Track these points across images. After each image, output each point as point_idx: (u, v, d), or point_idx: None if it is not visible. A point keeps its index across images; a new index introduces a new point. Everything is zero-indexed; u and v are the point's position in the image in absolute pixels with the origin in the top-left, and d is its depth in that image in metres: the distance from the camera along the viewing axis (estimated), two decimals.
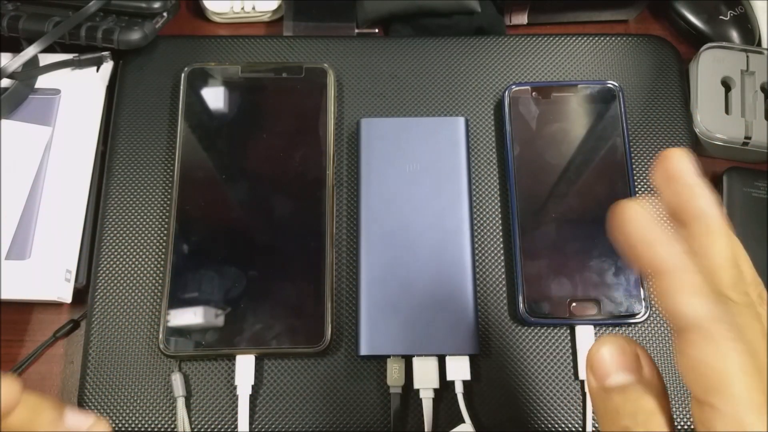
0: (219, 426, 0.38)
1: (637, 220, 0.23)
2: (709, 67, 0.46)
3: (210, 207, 0.41)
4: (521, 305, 0.39)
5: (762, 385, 0.21)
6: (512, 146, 0.43)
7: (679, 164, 0.23)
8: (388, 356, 0.38)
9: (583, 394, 0.38)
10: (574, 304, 0.39)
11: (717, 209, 0.23)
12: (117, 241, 0.42)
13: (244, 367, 0.38)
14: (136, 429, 0.38)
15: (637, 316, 0.39)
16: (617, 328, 0.40)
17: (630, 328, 0.40)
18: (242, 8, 0.48)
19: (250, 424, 0.38)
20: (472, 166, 0.43)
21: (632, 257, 0.23)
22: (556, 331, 0.40)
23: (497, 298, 0.41)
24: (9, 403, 0.24)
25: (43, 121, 0.43)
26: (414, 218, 0.40)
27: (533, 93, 0.44)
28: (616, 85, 0.44)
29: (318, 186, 0.41)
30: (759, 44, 0.48)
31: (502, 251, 0.42)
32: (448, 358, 0.38)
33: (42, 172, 0.42)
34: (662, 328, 0.40)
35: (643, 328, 0.40)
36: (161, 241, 0.42)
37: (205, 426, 0.38)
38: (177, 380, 0.38)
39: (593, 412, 0.29)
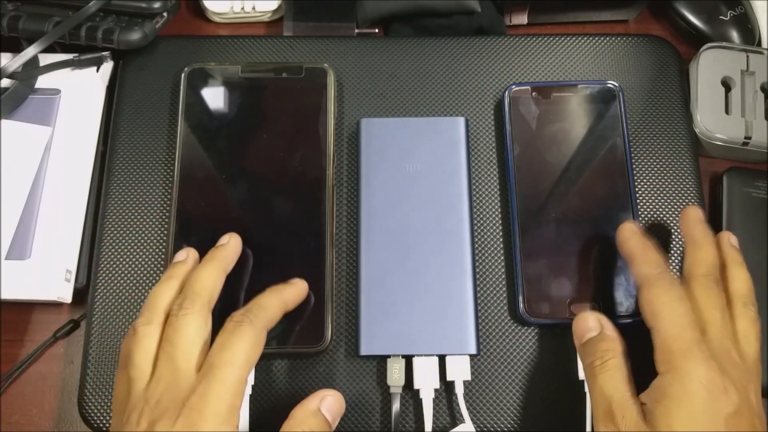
0: None
1: (630, 229, 0.37)
2: (709, 67, 0.46)
3: (210, 207, 0.41)
4: (521, 305, 0.39)
5: (692, 318, 0.33)
6: (512, 146, 0.43)
7: (691, 211, 0.38)
8: (388, 356, 0.38)
9: (584, 394, 0.38)
10: (574, 304, 0.39)
11: (709, 236, 0.37)
12: (117, 241, 0.42)
13: None
14: None
15: (637, 316, 0.39)
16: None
17: (630, 328, 0.40)
18: (242, 8, 0.48)
19: (250, 424, 0.38)
20: (472, 166, 0.43)
21: (623, 252, 0.38)
22: (556, 331, 0.40)
23: (497, 298, 0.41)
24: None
25: (43, 121, 0.43)
26: (414, 218, 0.40)
27: (533, 93, 0.44)
28: (616, 85, 0.44)
29: (318, 186, 0.41)
30: (759, 44, 0.48)
31: (502, 251, 0.42)
32: (448, 358, 0.38)
33: (42, 172, 0.42)
34: None
35: (642, 328, 0.40)
36: (161, 241, 0.42)
37: None
38: None
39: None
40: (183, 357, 0.32)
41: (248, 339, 0.33)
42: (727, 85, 0.45)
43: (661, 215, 0.42)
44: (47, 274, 0.40)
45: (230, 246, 0.38)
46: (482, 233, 0.42)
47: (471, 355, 0.38)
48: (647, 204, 0.43)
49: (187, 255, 0.37)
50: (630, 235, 0.37)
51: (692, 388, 0.30)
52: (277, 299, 0.36)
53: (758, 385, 0.33)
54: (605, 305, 0.39)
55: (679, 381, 0.31)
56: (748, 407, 0.31)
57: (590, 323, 0.36)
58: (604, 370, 0.33)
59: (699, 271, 0.35)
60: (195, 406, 0.30)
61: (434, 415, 0.38)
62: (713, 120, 0.44)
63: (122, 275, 0.41)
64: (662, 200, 0.43)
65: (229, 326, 0.33)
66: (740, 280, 0.36)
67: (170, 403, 0.31)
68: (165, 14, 0.45)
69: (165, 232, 0.42)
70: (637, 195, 0.43)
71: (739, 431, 0.30)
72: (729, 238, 0.38)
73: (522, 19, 0.50)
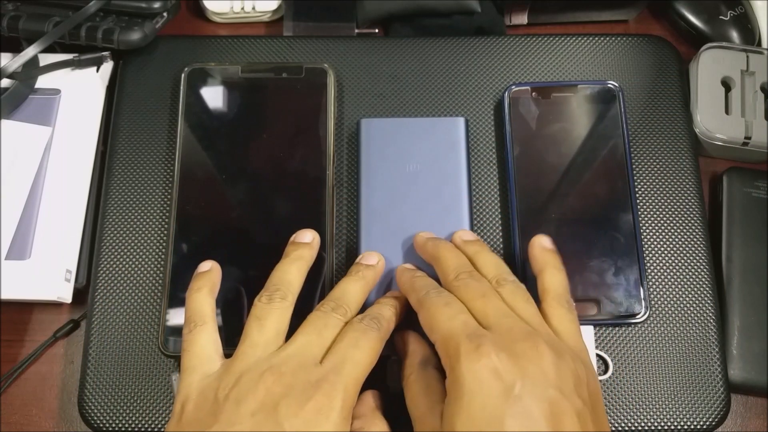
0: None
1: (399, 270, 0.38)
2: (709, 67, 0.46)
3: (210, 207, 0.41)
4: None
5: (464, 318, 0.32)
6: (512, 146, 0.43)
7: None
8: (389, 357, 0.38)
9: None
10: (574, 304, 0.39)
11: (441, 245, 0.37)
12: (117, 241, 0.42)
13: None
14: (136, 429, 0.38)
15: (637, 316, 0.39)
16: (617, 329, 0.40)
17: (630, 328, 0.40)
18: (242, 8, 0.48)
19: None
20: (472, 166, 0.43)
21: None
22: None
23: None
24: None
25: (43, 121, 0.43)
26: (414, 218, 0.40)
27: (533, 93, 0.44)
28: (616, 85, 0.44)
29: (318, 186, 0.41)
30: (759, 44, 0.48)
31: (502, 251, 0.42)
32: None
33: (42, 172, 0.42)
34: (662, 328, 0.40)
35: (643, 328, 0.40)
36: (161, 241, 0.42)
37: None
38: (177, 380, 0.38)
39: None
40: (317, 345, 0.32)
41: (376, 346, 0.33)
42: (727, 85, 0.45)
43: (661, 215, 0.42)
44: (47, 274, 0.40)
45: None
46: (482, 233, 0.42)
47: None
48: (647, 204, 0.43)
49: (377, 261, 0.38)
50: (399, 275, 0.37)
51: (467, 387, 0.29)
52: (396, 314, 0.36)
53: (585, 356, 0.32)
54: (605, 305, 0.39)
55: (455, 383, 0.29)
56: (548, 378, 0.29)
57: (397, 346, 0.36)
58: (406, 388, 0.34)
59: (449, 278, 0.35)
60: (327, 393, 0.30)
61: None
62: (713, 120, 0.44)
63: (122, 275, 0.41)
64: (662, 200, 0.43)
65: (359, 326, 0.33)
66: (550, 281, 0.35)
67: (297, 382, 0.30)
68: (165, 14, 0.45)
69: (165, 232, 0.42)
70: (637, 195, 0.43)
71: (527, 413, 0.28)
72: (541, 242, 0.37)
73: (522, 19, 0.50)
